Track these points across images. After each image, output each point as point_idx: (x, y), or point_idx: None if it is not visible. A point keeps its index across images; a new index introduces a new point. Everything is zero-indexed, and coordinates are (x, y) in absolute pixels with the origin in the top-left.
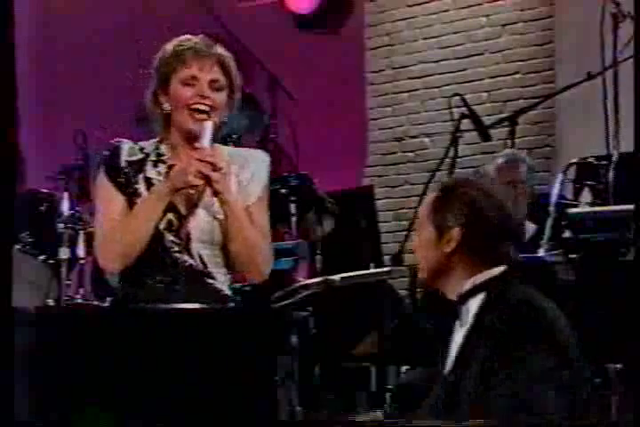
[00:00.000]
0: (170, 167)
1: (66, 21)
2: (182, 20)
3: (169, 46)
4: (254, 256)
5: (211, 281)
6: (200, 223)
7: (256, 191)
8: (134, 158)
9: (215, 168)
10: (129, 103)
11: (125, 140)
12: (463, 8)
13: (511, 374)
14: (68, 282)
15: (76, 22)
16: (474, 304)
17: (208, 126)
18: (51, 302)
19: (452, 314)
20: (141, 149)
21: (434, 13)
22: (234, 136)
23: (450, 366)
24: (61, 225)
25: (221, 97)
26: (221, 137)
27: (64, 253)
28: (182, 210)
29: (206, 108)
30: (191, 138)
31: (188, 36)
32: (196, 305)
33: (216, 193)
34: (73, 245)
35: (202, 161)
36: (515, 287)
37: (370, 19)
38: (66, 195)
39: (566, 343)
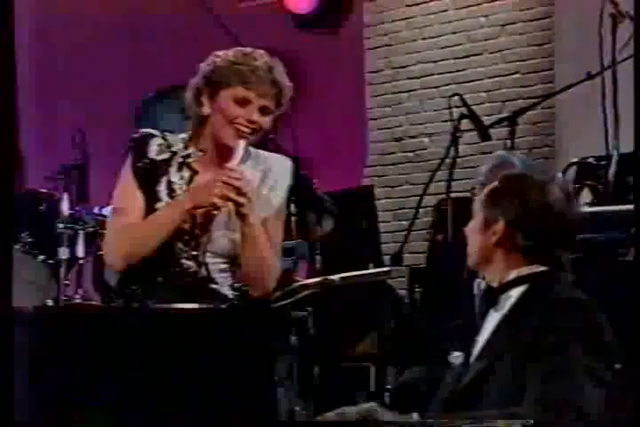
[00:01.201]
0: (194, 173)
1: (66, 21)
2: (182, 20)
3: (230, 56)
4: (264, 274)
5: (214, 286)
6: (214, 237)
7: (276, 203)
8: (161, 157)
9: (240, 192)
10: (128, 103)
11: (156, 133)
12: (462, 8)
13: (560, 368)
14: (67, 282)
15: (76, 22)
16: (515, 294)
17: (241, 146)
18: (50, 302)
19: (488, 302)
20: (169, 147)
21: (433, 13)
22: None
23: (478, 352)
24: (61, 225)
25: (267, 121)
26: None
27: (63, 253)
28: (198, 220)
29: (250, 131)
30: (223, 149)
31: (255, 53)
32: (196, 305)
33: (239, 214)
34: (72, 246)
35: (227, 184)
36: (562, 285)
37: (369, 19)
38: (65, 195)
39: (609, 346)
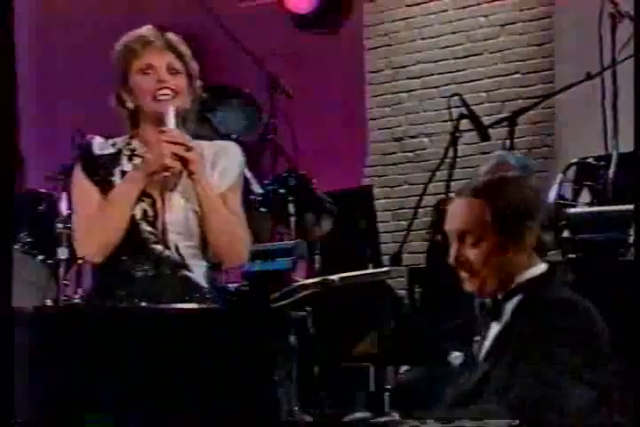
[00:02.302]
0: (144, 160)
1: (66, 21)
2: (182, 19)
3: (119, 44)
4: (231, 239)
5: (187, 273)
6: (176, 214)
7: (229, 180)
8: (107, 152)
9: (188, 148)
10: None
11: (96, 137)
12: (462, 8)
13: (542, 368)
14: (67, 282)
15: (76, 22)
16: (511, 303)
17: (170, 111)
18: (49, 302)
19: (490, 314)
20: (113, 145)
21: (433, 13)
22: (233, 136)
23: (483, 357)
24: (60, 225)
25: (180, 81)
26: (221, 135)
27: (62, 253)
28: (157, 199)
29: (169, 93)
30: (161, 126)
31: (139, 30)
32: (195, 305)
33: (190, 173)
34: (71, 246)
35: (172, 143)
36: (554, 287)
37: (369, 19)
38: (64, 195)
39: (602, 344)
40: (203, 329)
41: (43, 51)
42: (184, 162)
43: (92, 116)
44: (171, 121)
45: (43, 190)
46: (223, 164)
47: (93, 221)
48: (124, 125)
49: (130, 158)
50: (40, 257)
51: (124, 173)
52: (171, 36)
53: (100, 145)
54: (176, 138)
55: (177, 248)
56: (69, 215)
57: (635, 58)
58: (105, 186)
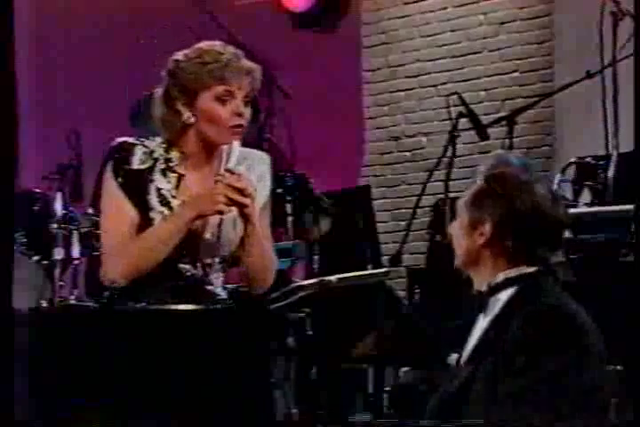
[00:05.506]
0: (180, 176)
1: (66, 21)
2: (180, 18)
3: (195, 56)
4: (267, 269)
5: (209, 287)
6: (209, 239)
7: (263, 197)
8: (145, 166)
9: (245, 194)
10: (126, 103)
11: (137, 143)
12: (460, 6)
13: (527, 373)
14: (62, 283)
15: (76, 22)
16: (504, 296)
17: (236, 148)
18: (44, 303)
19: (477, 306)
20: (151, 154)
21: (430, 11)
22: None
23: (467, 357)
24: (55, 225)
25: (249, 112)
26: None
27: (58, 253)
28: (192, 227)
29: (244, 124)
30: (211, 149)
31: (216, 47)
32: (193, 306)
33: (243, 215)
34: (67, 246)
35: (231, 186)
36: (547, 288)
37: (366, 17)
38: (59, 195)
39: (592, 349)
40: (200, 330)
41: (43, 51)
42: (238, 205)
43: (92, 115)
44: (234, 158)
45: (37, 190)
46: (255, 179)
47: (127, 248)
48: (163, 129)
49: (164, 173)
50: (35, 258)
51: (158, 191)
52: (243, 57)
53: (140, 158)
54: (237, 183)
55: (203, 266)
56: (64, 215)
57: (635, 57)
58: (140, 204)
